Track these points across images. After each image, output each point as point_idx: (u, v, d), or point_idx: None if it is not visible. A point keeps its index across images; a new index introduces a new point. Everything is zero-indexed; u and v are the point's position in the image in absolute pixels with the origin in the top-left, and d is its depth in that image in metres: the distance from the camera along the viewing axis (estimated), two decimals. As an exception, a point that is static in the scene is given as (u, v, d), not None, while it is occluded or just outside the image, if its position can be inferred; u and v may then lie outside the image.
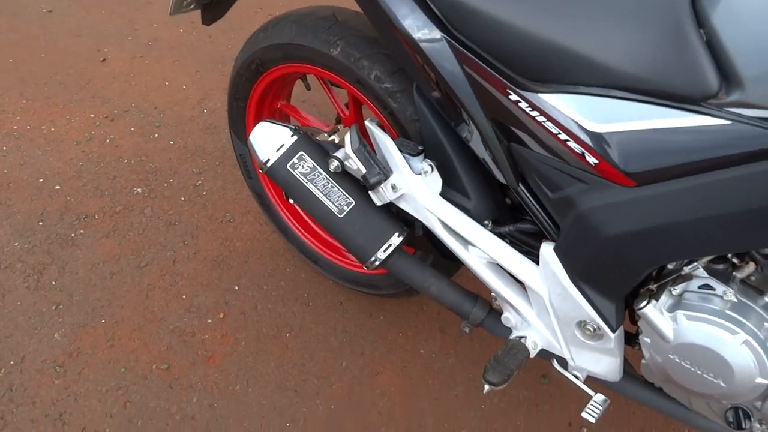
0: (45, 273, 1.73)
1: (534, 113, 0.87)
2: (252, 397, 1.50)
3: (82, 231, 1.83)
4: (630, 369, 1.08)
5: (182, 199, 1.91)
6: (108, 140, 2.09)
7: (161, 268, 1.74)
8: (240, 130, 1.54)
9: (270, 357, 1.56)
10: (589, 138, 0.84)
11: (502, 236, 1.07)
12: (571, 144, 0.85)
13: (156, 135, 2.11)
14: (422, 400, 1.48)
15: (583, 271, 0.94)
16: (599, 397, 1.02)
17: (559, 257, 0.96)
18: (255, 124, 1.48)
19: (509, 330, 1.12)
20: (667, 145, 0.80)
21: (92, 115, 2.18)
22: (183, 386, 1.51)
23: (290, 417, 1.47)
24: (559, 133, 0.86)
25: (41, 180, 1.96)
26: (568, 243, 0.93)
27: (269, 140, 1.13)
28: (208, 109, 2.20)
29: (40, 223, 1.84)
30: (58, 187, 1.94)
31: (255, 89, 1.42)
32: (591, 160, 0.85)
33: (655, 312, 0.90)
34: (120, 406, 1.48)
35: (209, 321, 1.63)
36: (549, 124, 0.86)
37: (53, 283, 1.71)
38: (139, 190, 1.94)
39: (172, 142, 2.08)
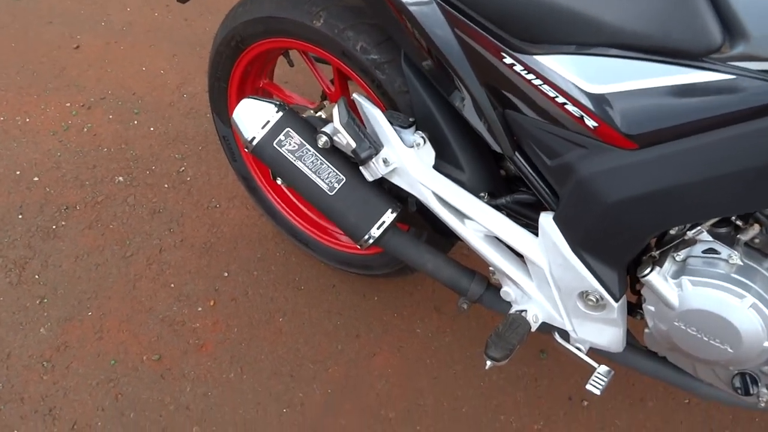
0: (27, 267, 1.67)
1: (530, 76, 0.83)
2: (247, 384, 1.47)
3: (63, 223, 1.78)
4: (632, 339, 1.06)
5: (166, 186, 1.86)
6: (86, 129, 2.03)
7: (147, 258, 1.69)
8: (222, 112, 1.49)
9: (263, 343, 1.53)
10: (588, 100, 0.80)
11: (498, 208, 1.04)
12: (570, 107, 0.82)
13: (135, 122, 2.05)
14: (420, 379, 1.46)
15: (584, 239, 0.91)
16: (603, 369, 1.00)
17: (558, 227, 0.93)
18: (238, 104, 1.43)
19: (509, 305, 1.09)
20: (669, 103, 0.77)
21: (68, 104, 2.11)
22: (175, 376, 1.48)
23: (287, 402, 1.44)
24: (557, 97, 0.82)
25: (18, 172, 1.89)
26: (568, 211, 0.91)
27: (254, 117, 1.08)
28: (188, 94, 2.14)
29: (20, 216, 1.78)
30: (36, 179, 1.88)
31: (236, 67, 1.37)
32: (590, 123, 0.82)
33: (659, 279, 0.88)
34: (111, 399, 1.45)
35: (199, 309, 1.59)
36: (546, 88, 0.83)
37: (36, 276, 1.66)
38: (120, 178, 1.88)
39: (152, 129, 2.02)
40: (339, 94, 1.31)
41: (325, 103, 1.29)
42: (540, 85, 0.83)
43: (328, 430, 1.39)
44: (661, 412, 1.38)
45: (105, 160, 1.93)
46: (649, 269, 0.88)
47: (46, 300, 1.61)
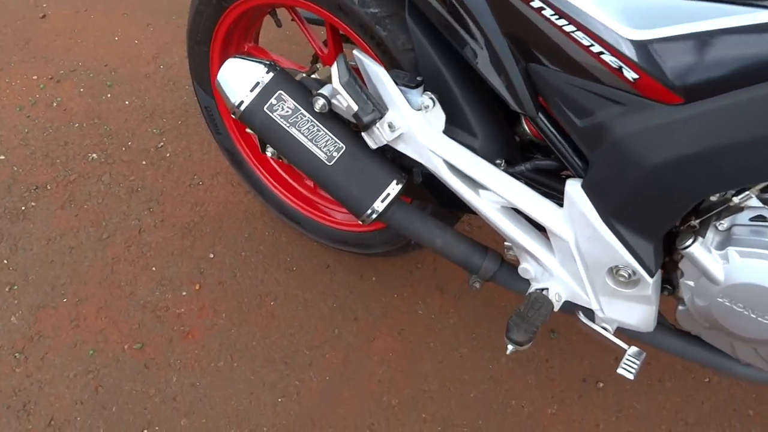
0: (-6, 252, 1.55)
1: (561, 22, 0.73)
2: (238, 372, 1.37)
3: (33, 203, 1.65)
4: (660, 318, 0.98)
5: (143, 163, 1.73)
6: (55, 103, 1.88)
7: (126, 239, 1.57)
8: (204, 79, 1.37)
9: (255, 328, 1.43)
10: (628, 48, 0.70)
11: (516, 177, 0.93)
12: (607, 57, 0.72)
13: (108, 95, 1.91)
14: (424, 364, 1.37)
15: (617, 208, 0.81)
16: (633, 350, 0.91)
17: (588, 195, 0.83)
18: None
19: (525, 283, 1.00)
20: (722, 49, 0.67)
21: (35, 77, 1.96)
22: (160, 366, 1.37)
23: (282, 391, 1.34)
24: (592, 45, 0.72)
25: (-18, 150, 1.75)
26: (600, 177, 0.81)
27: (241, 79, 0.97)
28: (165, 65, 2.00)
29: (-15, 198, 1.65)
30: (2, 157, 1.74)
31: (218, 28, 1.24)
32: (630, 75, 0.72)
33: (702, 251, 0.79)
34: (91, 392, 1.34)
35: (184, 293, 1.48)
36: (579, 35, 0.72)
37: (5, 261, 1.53)
38: (94, 155, 1.75)
39: (127, 102, 1.89)
40: (333, 56, 1.20)
41: (317, 66, 1.17)
42: (573, 32, 0.72)
43: (327, 420, 1.30)
44: (681, 392, 1.31)
45: (77, 137, 1.79)
46: (690, 240, 0.79)
47: (16, 287, 1.49)
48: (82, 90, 1.92)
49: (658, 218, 0.80)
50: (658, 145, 0.73)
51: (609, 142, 0.77)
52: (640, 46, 0.69)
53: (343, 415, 1.31)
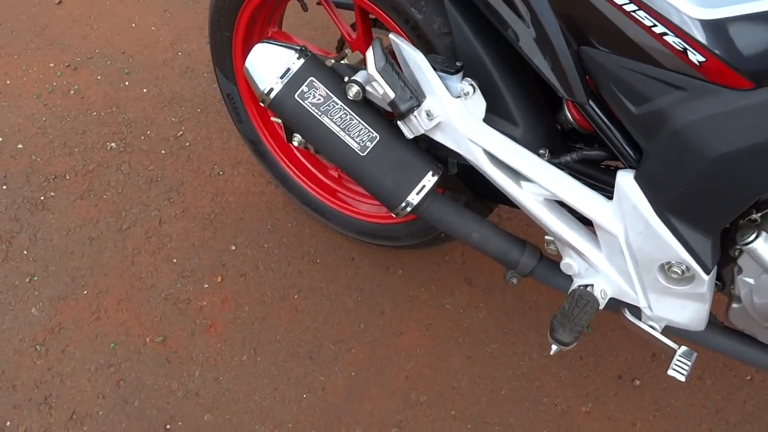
0: (14, 242, 1.52)
1: (621, 1, 0.67)
2: (262, 367, 1.34)
3: (52, 193, 1.62)
4: (710, 316, 0.93)
5: (163, 152, 1.70)
6: (72, 91, 1.85)
7: (146, 230, 1.54)
8: (226, 66, 1.33)
9: (278, 322, 1.40)
10: (696, 28, 0.65)
11: (560, 168, 0.89)
12: (670, 39, 0.67)
13: (126, 83, 1.87)
14: (453, 360, 1.33)
15: (674, 202, 0.76)
16: (684, 350, 0.87)
17: (641, 187, 0.78)
18: (244, 56, 1.26)
19: (567, 279, 0.95)
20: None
21: (52, 65, 1.93)
22: (183, 359, 1.35)
23: (306, 387, 1.31)
24: (654, 25, 0.67)
25: (0, 139, 1.72)
26: (656, 168, 0.76)
27: (271, 65, 0.92)
28: (183, 52, 1.96)
29: (4, 187, 1.62)
30: (20, 146, 1.71)
31: (242, 13, 1.20)
32: (696, 58, 0.67)
33: (765, 246, 0.74)
34: (113, 386, 1.32)
35: (206, 286, 1.45)
36: (641, 14, 0.67)
37: (25, 252, 1.51)
38: (113, 144, 1.72)
39: (145, 90, 1.85)
40: (362, 41, 1.15)
41: (346, 51, 1.13)
42: (634, 11, 0.67)
43: (353, 417, 1.27)
44: (722, 391, 1.26)
45: (95, 125, 1.76)
46: (754, 234, 0.74)
47: (36, 278, 1.47)
48: (99, 78, 1.88)
49: (719, 212, 0.75)
50: (724, 133, 0.68)
51: (668, 130, 0.72)
52: (709, 26, 0.64)
53: (370, 412, 1.28)
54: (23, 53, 1.95)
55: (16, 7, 2.10)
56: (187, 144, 1.71)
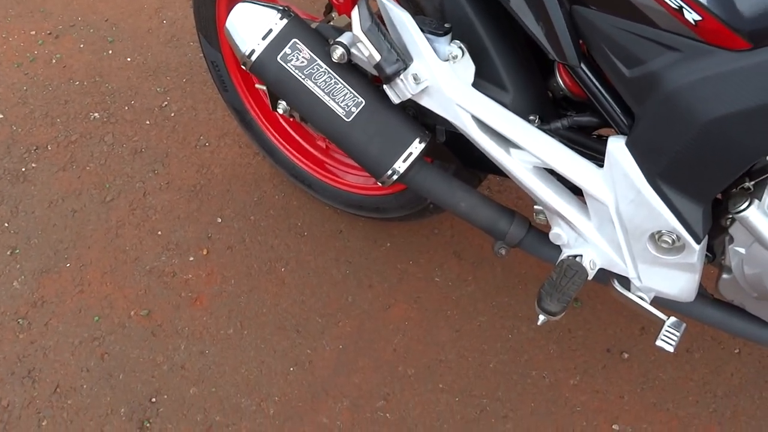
0: (-5, 214, 1.49)
1: (615, -43, 0.65)
2: (248, 340, 1.32)
3: (34, 165, 1.58)
4: (699, 287, 0.92)
5: (147, 122, 1.66)
6: (54, 60, 1.80)
7: (130, 202, 1.51)
8: (211, 32, 1.29)
9: (265, 295, 1.38)
10: (692, -15, 0.62)
11: (550, 135, 0.86)
12: (665, -4, 0.64)
13: (110, 51, 1.82)
14: (441, 333, 1.32)
15: (666, 168, 0.74)
16: (673, 321, 0.85)
17: (632, 154, 0.76)
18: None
19: (556, 250, 0.94)
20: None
21: (33, 33, 1.87)
22: (168, 333, 1.33)
23: (293, 360, 1.30)
24: (650, -17, 0.64)
25: (-21, 109, 1.68)
26: (648, 134, 0.74)
27: (253, 26, 0.89)
28: (168, 20, 1.91)
29: (-17, 159, 1.59)
30: (0, 116, 1.67)
31: (226, -25, 1.16)
32: (691, 17, 0.64)
33: (758, 215, 0.72)
34: (97, 359, 1.30)
35: (191, 259, 1.43)
36: (636, -29, 0.64)
37: (6, 225, 1.48)
38: (96, 115, 1.68)
39: (129, 59, 1.80)
40: (349, 5, 1.11)
41: (333, 15, 1.09)
42: (628, -33, 0.64)
43: (340, 389, 1.26)
44: (710, 364, 1.26)
45: (78, 95, 1.72)
46: (746, 203, 0.72)
47: (17, 251, 1.44)
48: (82, 46, 1.83)
49: (712, 179, 0.73)
50: (719, 96, 0.66)
51: (661, 93, 0.70)
52: (706, -18, 0.62)
53: (357, 384, 1.27)
54: (3, 21, 1.90)
55: (-5, -27, 2.04)
56: (172, 114, 1.68)
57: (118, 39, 1.85)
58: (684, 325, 0.86)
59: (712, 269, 0.91)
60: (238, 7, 0.91)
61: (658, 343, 0.84)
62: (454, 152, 1.03)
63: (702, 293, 0.92)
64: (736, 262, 0.79)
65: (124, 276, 1.40)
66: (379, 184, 0.98)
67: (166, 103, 1.70)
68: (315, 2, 1.92)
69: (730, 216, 0.76)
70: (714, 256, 0.88)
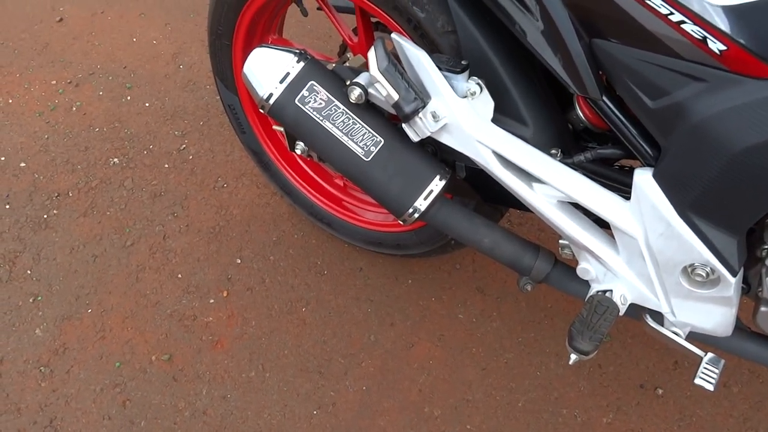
0: (17, 262, 1.50)
1: (634, -11, 0.64)
2: (270, 383, 1.30)
3: (55, 211, 1.60)
4: (736, 321, 0.88)
5: (166, 166, 1.67)
6: (74, 108, 1.83)
7: (150, 246, 1.51)
8: (227, 76, 1.30)
9: (286, 336, 1.36)
10: (716, 15, 0.61)
11: (573, 168, 0.85)
12: (688, 27, 0.63)
13: (128, 97, 1.85)
14: (467, 371, 1.29)
15: (696, 200, 0.72)
16: (711, 357, 0.82)
17: (660, 186, 0.74)
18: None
19: (584, 285, 0.91)
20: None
21: (54, 82, 1.91)
22: (189, 378, 1.31)
23: (317, 403, 1.27)
24: (671, 13, 0.63)
25: (3, 158, 1.71)
26: (676, 165, 0.72)
27: (270, 70, 0.89)
28: (185, 65, 1.94)
29: (7, 206, 1.60)
30: (23, 165, 1.70)
31: (241, 20, 1.17)
32: (716, 47, 0.63)
33: (796, 245, 0.69)
34: (119, 406, 1.28)
35: (211, 301, 1.42)
36: (656, 2, 0.63)
37: (28, 272, 1.48)
38: (115, 160, 1.70)
39: (147, 104, 1.83)
40: (363, 44, 1.12)
41: (347, 55, 1.10)
42: (648, -1, 0.64)
43: (365, 433, 1.23)
44: (749, 399, 1.21)
45: (97, 141, 1.74)
46: (783, 234, 0.70)
47: (40, 297, 1.44)
48: (101, 93, 1.87)
49: (745, 210, 0.71)
50: (749, 125, 0.64)
51: (688, 124, 0.68)
52: (731, 12, 0.61)
53: (383, 427, 1.23)
54: (25, 71, 1.94)
55: (17, 25, 2.10)
56: (190, 157, 1.69)
57: (136, 85, 1.88)
58: (723, 361, 0.83)
59: (749, 301, 0.87)
60: (256, 52, 0.92)
61: (697, 381, 0.81)
62: (475, 187, 1.02)
63: (740, 326, 0.88)
64: (774, 294, 0.76)
65: (145, 320, 1.40)
66: (400, 222, 0.96)
67: (184, 146, 1.72)
68: (328, 42, 1.95)
69: (766, 247, 0.73)
70: (749, 288, 0.85)
